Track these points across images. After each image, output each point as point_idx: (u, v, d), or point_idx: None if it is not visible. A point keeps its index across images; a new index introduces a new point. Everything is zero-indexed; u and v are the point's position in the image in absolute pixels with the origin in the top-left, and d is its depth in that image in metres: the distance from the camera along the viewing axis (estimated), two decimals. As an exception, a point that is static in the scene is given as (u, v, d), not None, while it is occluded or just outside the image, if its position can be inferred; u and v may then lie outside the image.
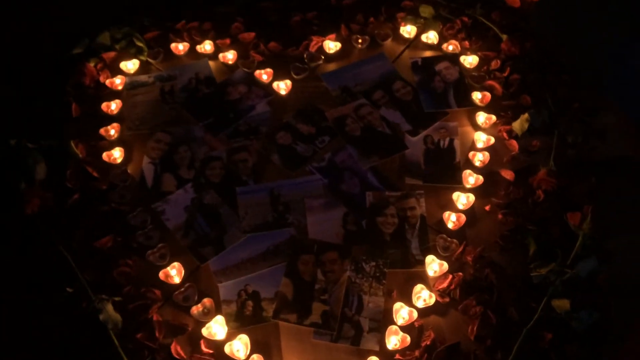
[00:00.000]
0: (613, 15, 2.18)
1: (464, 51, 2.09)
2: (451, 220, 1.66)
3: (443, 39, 2.14)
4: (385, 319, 1.50)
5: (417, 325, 1.49)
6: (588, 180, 1.71)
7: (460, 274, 1.56)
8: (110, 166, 1.80)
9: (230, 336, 1.47)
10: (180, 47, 2.08)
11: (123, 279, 1.56)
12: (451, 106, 1.94)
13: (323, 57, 2.06)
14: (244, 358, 1.44)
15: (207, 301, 1.53)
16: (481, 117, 1.88)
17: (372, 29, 2.15)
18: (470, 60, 2.05)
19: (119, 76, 2.01)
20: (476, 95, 1.94)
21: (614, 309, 1.49)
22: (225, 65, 2.07)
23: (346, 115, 1.92)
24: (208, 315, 1.51)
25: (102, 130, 1.85)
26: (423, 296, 1.52)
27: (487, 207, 1.70)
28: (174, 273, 1.58)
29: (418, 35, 2.14)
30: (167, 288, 1.56)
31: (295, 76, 2.01)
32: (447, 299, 1.53)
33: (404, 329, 1.47)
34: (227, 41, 2.09)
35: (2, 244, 1.61)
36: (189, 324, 1.51)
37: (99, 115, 1.91)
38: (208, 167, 1.81)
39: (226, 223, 1.68)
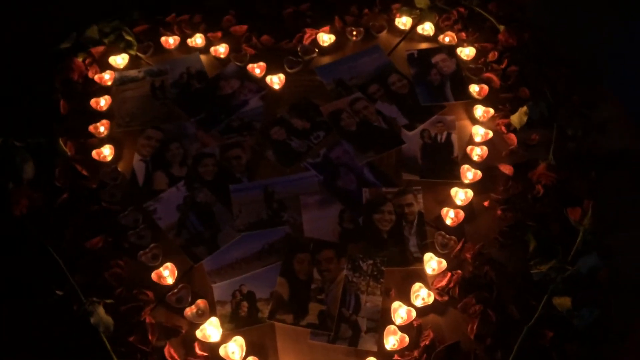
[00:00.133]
0: (612, 5, 2.14)
1: (460, 43, 2.06)
2: (449, 216, 1.63)
3: (439, 30, 2.10)
4: (383, 319, 1.47)
5: (415, 325, 1.46)
6: (588, 174, 1.68)
7: (459, 271, 1.53)
8: (100, 164, 1.76)
9: (225, 338, 1.44)
10: (170, 41, 2.04)
11: (114, 281, 1.52)
12: (448, 99, 1.90)
13: (317, 50, 2.02)
14: (239, 360, 1.41)
15: (201, 302, 1.50)
16: (479, 111, 1.85)
17: (366, 20, 2.11)
18: (467, 52, 2.01)
19: (108, 71, 1.96)
20: (473, 88, 1.90)
21: (614, 307, 1.46)
22: (217, 59, 2.02)
23: (341, 109, 1.88)
24: (202, 316, 1.48)
25: (91, 127, 1.81)
26: (422, 295, 1.50)
27: (486, 203, 1.67)
28: (167, 274, 1.54)
29: (414, 26, 2.11)
30: (160, 289, 1.53)
31: (288, 70, 1.97)
32: (446, 298, 1.50)
33: (402, 328, 1.45)
34: (219, 34, 2.05)
35: (-11, 246, 1.57)
36: (183, 326, 1.47)
37: (88, 111, 1.86)
38: (200, 164, 1.77)
39: (220, 222, 1.65)
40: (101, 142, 1.79)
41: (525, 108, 1.77)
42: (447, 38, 2.06)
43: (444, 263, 1.54)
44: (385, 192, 1.70)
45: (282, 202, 1.68)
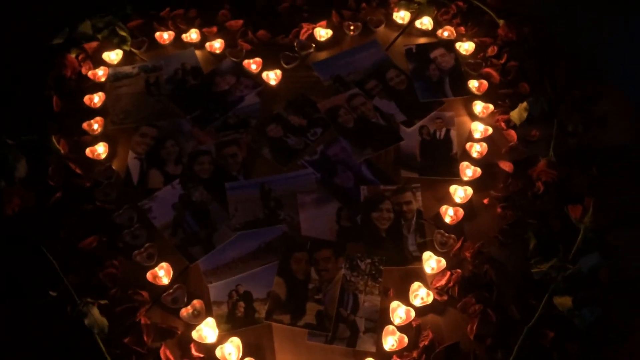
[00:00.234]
0: (612, -1, 2.12)
1: (459, 37, 2.03)
2: (448, 214, 1.61)
3: (438, 24, 2.07)
4: (382, 319, 1.45)
5: (414, 325, 1.44)
6: (589, 171, 1.66)
7: (459, 270, 1.51)
8: (94, 162, 1.73)
9: (222, 339, 1.42)
10: (165, 36, 2.01)
11: (109, 281, 1.49)
12: (447, 95, 1.88)
13: (314, 45, 1.99)
14: (236, 362, 1.39)
15: (197, 303, 1.47)
16: (478, 107, 1.83)
17: (364, 15, 2.08)
18: (466, 47, 1.98)
19: (102, 67, 1.93)
20: (473, 84, 1.88)
21: (615, 306, 1.44)
22: (212, 54, 1.99)
23: (339, 106, 1.86)
24: (198, 317, 1.46)
25: (84, 125, 1.78)
26: (420, 294, 1.48)
27: (486, 201, 1.65)
28: (162, 274, 1.52)
29: (412, 21, 2.08)
30: (155, 289, 1.50)
31: (285, 65, 1.94)
32: (445, 297, 1.48)
33: (401, 329, 1.42)
34: (214, 29, 2.02)
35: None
36: (179, 327, 1.45)
37: (82, 108, 1.83)
38: (196, 162, 1.74)
39: (216, 221, 1.62)
40: (95, 139, 1.76)
41: (525, 104, 1.74)
42: (445, 32, 2.03)
43: (443, 262, 1.52)
44: (383, 190, 1.68)
45: (278, 201, 1.66)
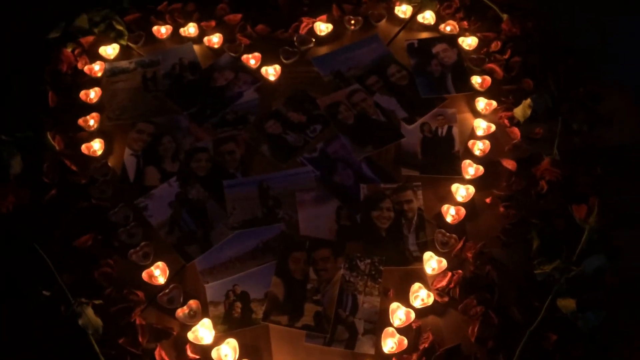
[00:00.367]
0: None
1: (462, 32, 1.99)
2: (450, 213, 1.58)
3: (440, 19, 2.03)
4: (381, 320, 1.42)
5: (414, 327, 1.41)
6: (594, 170, 1.62)
7: (460, 271, 1.48)
8: (89, 159, 1.70)
9: (218, 340, 1.39)
10: (162, 30, 1.98)
11: (104, 280, 1.47)
12: (449, 91, 1.84)
13: (314, 40, 1.96)
14: (232, 364, 1.37)
15: (193, 303, 1.45)
16: (481, 103, 1.79)
17: (365, 9, 2.04)
18: (469, 42, 1.95)
19: (98, 62, 1.91)
20: (475, 80, 1.84)
21: (620, 309, 1.42)
22: (210, 49, 1.96)
23: (339, 102, 1.82)
24: (194, 318, 1.43)
25: (80, 121, 1.75)
26: (421, 295, 1.45)
27: (488, 200, 1.62)
28: (158, 273, 1.49)
29: (414, 15, 2.04)
30: (151, 289, 1.48)
31: (284, 61, 1.91)
32: (446, 299, 1.45)
33: (400, 330, 1.40)
34: (212, 23, 1.99)
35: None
36: (174, 328, 1.43)
37: (77, 104, 1.81)
38: (193, 159, 1.71)
39: (213, 219, 1.60)
40: (91, 135, 1.74)
41: (529, 100, 1.71)
42: (448, 27, 2.00)
43: (444, 262, 1.49)
44: (383, 188, 1.65)
45: (277, 199, 1.63)
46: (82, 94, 1.80)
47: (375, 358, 1.37)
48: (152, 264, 1.50)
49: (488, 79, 1.83)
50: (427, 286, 1.47)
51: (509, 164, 1.65)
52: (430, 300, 1.44)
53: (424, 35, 2.01)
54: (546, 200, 1.58)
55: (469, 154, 1.71)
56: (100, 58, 1.92)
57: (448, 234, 1.55)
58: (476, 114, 1.80)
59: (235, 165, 1.70)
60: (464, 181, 1.64)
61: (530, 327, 1.37)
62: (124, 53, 1.96)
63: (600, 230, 1.48)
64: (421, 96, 1.83)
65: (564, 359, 1.35)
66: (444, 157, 1.71)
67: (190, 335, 1.39)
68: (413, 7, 2.04)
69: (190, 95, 1.84)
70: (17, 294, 1.45)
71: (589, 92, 1.79)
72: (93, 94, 1.81)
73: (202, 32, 1.98)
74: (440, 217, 1.60)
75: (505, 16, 1.95)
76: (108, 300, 1.44)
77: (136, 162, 1.71)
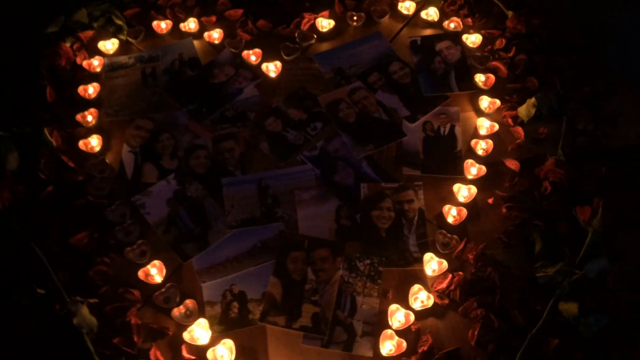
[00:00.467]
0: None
1: (466, 29, 1.96)
2: (451, 214, 1.56)
3: (444, 15, 2.00)
4: (380, 322, 1.40)
5: (413, 329, 1.39)
6: (599, 170, 1.59)
7: (461, 273, 1.46)
8: (87, 155, 1.68)
9: (214, 341, 1.37)
10: (162, 25, 1.96)
11: (99, 279, 1.46)
12: (452, 89, 1.81)
13: (315, 36, 1.93)
14: (228, 365, 1.35)
15: (189, 302, 1.43)
16: (484, 102, 1.76)
17: (368, 5, 2.02)
18: (473, 39, 1.92)
19: (97, 57, 1.88)
20: (479, 78, 1.81)
21: (623, 313, 1.39)
22: (210, 45, 1.94)
23: (340, 99, 1.80)
24: (190, 317, 1.41)
25: (78, 117, 1.73)
26: (421, 297, 1.42)
27: (490, 200, 1.59)
28: (155, 272, 1.47)
29: (417, 11, 2.01)
30: (147, 288, 1.46)
31: (285, 57, 1.88)
32: (446, 301, 1.43)
33: (399, 333, 1.38)
34: (213, 19, 1.97)
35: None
36: (170, 328, 1.41)
37: (76, 99, 1.79)
38: (192, 157, 1.69)
39: (211, 217, 1.57)
40: (89, 132, 1.72)
41: (533, 99, 1.68)
42: (452, 24, 1.97)
43: (445, 264, 1.46)
44: (384, 188, 1.62)
45: (276, 198, 1.61)
46: (80, 89, 1.78)
47: (373, 361, 1.35)
48: (148, 262, 1.49)
49: (492, 77, 1.80)
50: (427, 288, 1.45)
51: (512, 164, 1.62)
52: (430, 303, 1.42)
53: (428, 32, 1.98)
54: (549, 202, 1.55)
55: (471, 154, 1.68)
56: (99, 53, 1.90)
57: (449, 234, 1.52)
58: (479, 113, 1.77)
59: (234, 162, 1.68)
60: (466, 181, 1.62)
61: (532, 330, 1.35)
62: (123, 48, 1.94)
63: (604, 233, 1.45)
64: (424, 94, 1.80)
65: (566, 363, 1.32)
66: (446, 157, 1.68)
67: (186, 336, 1.37)
68: (417, 3, 2.01)
69: (189, 92, 1.82)
70: (11, 292, 1.43)
71: (595, 91, 1.75)
72: (91, 90, 1.79)
73: (203, 28, 1.96)
74: (441, 217, 1.57)
75: (510, 13, 1.92)
76: (104, 299, 1.42)
77: (134, 159, 1.69)
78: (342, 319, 1.41)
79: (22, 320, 1.39)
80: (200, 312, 1.43)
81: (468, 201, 1.58)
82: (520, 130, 1.70)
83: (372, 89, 1.82)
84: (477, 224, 1.56)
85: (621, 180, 1.60)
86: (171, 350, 1.38)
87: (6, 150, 1.61)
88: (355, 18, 1.97)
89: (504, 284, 1.43)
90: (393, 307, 1.41)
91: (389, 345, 1.36)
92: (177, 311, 1.41)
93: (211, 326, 1.40)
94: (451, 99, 1.80)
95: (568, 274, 1.39)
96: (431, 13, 1.99)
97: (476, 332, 1.37)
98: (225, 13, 1.97)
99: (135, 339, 1.37)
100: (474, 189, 1.58)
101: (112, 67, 1.87)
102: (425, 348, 1.35)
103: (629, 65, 1.86)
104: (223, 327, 1.41)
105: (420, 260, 1.49)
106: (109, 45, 1.90)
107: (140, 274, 1.46)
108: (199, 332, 1.38)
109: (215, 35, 1.92)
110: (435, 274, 1.47)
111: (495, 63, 1.84)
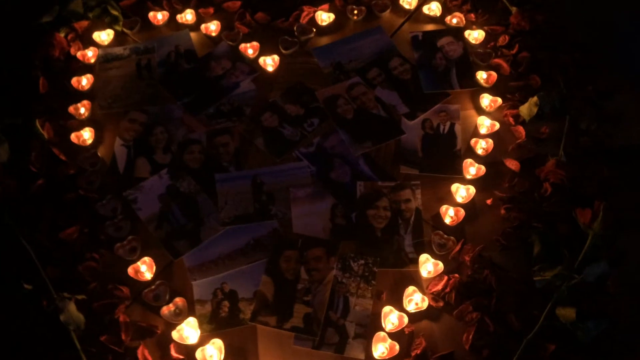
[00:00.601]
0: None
1: (469, 25, 1.92)
2: (449, 214, 1.52)
3: (447, 10, 1.96)
4: (373, 324, 1.37)
5: (407, 332, 1.36)
6: (601, 172, 1.55)
7: (457, 275, 1.42)
8: (79, 148, 1.66)
9: (203, 340, 1.35)
10: (159, 17, 1.92)
11: (88, 275, 1.43)
12: (453, 87, 1.77)
13: (315, 30, 1.89)
14: (217, 365, 1.32)
15: (179, 301, 1.41)
16: (485, 100, 1.72)
17: (369, -2, 1.98)
18: (475, 36, 1.88)
19: (92, 48, 1.85)
20: (481, 75, 1.77)
21: (623, 316, 1.36)
22: (207, 37, 1.90)
23: (338, 95, 1.76)
24: (180, 316, 1.39)
25: (71, 108, 1.71)
26: (415, 299, 1.39)
27: (489, 201, 1.56)
28: (145, 269, 1.45)
29: (419, 6, 1.97)
30: (137, 285, 1.44)
31: (283, 51, 1.85)
32: (441, 303, 1.40)
33: (392, 335, 1.35)
34: (210, 10, 1.94)
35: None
36: (159, 326, 1.38)
37: (69, 91, 1.76)
38: (186, 151, 1.66)
39: (203, 214, 1.54)
40: (81, 124, 1.69)
41: (535, 98, 1.65)
42: (454, 19, 1.92)
43: (441, 265, 1.43)
44: (381, 187, 1.59)
45: (270, 195, 1.58)
46: (73, 80, 1.75)
47: (365, 363, 1.33)
48: (138, 259, 1.46)
49: (494, 74, 1.76)
50: (422, 290, 1.42)
51: (512, 164, 1.59)
52: (425, 305, 1.38)
53: (429, 27, 1.94)
54: (550, 204, 1.51)
55: (470, 153, 1.64)
56: (94, 44, 1.87)
57: (446, 235, 1.49)
58: (480, 111, 1.73)
59: (228, 158, 1.65)
60: (464, 181, 1.58)
61: (528, 335, 1.32)
62: (119, 39, 1.91)
63: (605, 236, 1.42)
64: (424, 91, 1.77)
65: (562, 370, 1.29)
66: (444, 156, 1.64)
67: (175, 335, 1.34)
68: (418, -3, 1.97)
69: (185, 85, 1.79)
70: (-1, 287, 1.41)
71: (598, 90, 1.71)
72: (85, 81, 1.76)
73: (200, 19, 1.93)
74: (438, 218, 1.54)
75: (514, 9, 1.87)
76: (92, 295, 1.40)
77: (127, 152, 1.66)
78: (334, 320, 1.38)
79: (8, 317, 1.37)
80: (190, 311, 1.40)
81: (466, 202, 1.55)
82: (521, 129, 1.66)
83: (372, 84, 1.78)
84: (474, 225, 1.53)
85: (623, 179, 1.56)
86: (159, 349, 1.35)
87: (-4, 142, 1.59)
88: (355, 12, 1.93)
89: (501, 287, 1.40)
90: (387, 308, 1.38)
91: (381, 347, 1.33)
92: (167, 309, 1.39)
93: (201, 325, 1.37)
94: (452, 96, 1.76)
95: (566, 278, 1.35)
96: (433, 8, 1.95)
97: (471, 336, 1.34)
98: (223, 5, 1.93)
99: (123, 337, 1.34)
100: (472, 189, 1.55)
101: (106, 58, 1.84)
102: (419, 351, 1.32)
103: (632, 63, 1.82)
104: (213, 327, 1.38)
105: (415, 262, 1.46)
106: (104, 36, 1.87)
107: (130, 270, 1.43)
108: (188, 331, 1.35)
109: (213, 27, 1.89)
110: (431, 275, 1.44)
111: (497, 60, 1.80)
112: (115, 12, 1.89)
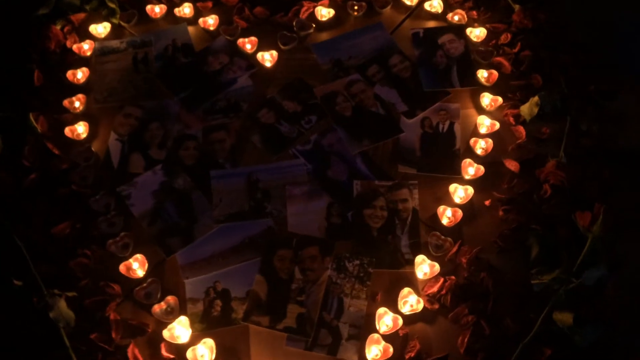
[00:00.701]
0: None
1: (470, 22, 1.89)
2: (446, 215, 1.50)
3: (448, 7, 1.93)
4: (367, 326, 1.35)
5: (401, 334, 1.34)
6: (602, 174, 1.53)
7: (453, 277, 1.40)
8: (73, 143, 1.63)
9: (194, 339, 1.33)
10: (156, 10, 1.90)
11: (80, 271, 1.41)
12: (454, 85, 1.74)
13: (314, 26, 1.86)
14: (208, 365, 1.30)
15: (171, 299, 1.39)
16: (486, 99, 1.70)
17: (370, -6, 1.95)
18: (477, 33, 1.85)
19: (88, 41, 1.83)
20: (482, 74, 1.74)
21: (621, 322, 1.33)
22: (205, 31, 1.88)
23: (337, 92, 1.73)
24: (171, 314, 1.37)
25: (66, 102, 1.69)
26: (410, 301, 1.37)
27: (487, 202, 1.53)
28: (137, 266, 1.43)
29: (421, 2, 1.94)
30: (128, 283, 1.42)
31: (282, 46, 1.82)
32: (436, 306, 1.38)
33: (387, 337, 1.33)
34: (209, 4, 1.92)
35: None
36: (150, 324, 1.37)
37: (64, 84, 1.74)
38: (181, 147, 1.64)
39: (198, 211, 1.52)
40: (76, 118, 1.67)
41: (536, 98, 1.62)
42: (456, 17, 1.90)
43: (437, 267, 1.41)
44: (378, 186, 1.56)
45: (266, 192, 1.56)
46: (69, 73, 1.73)
47: (358, 365, 1.31)
48: (130, 255, 1.44)
49: (495, 73, 1.73)
50: (417, 291, 1.40)
51: (512, 165, 1.56)
52: (420, 307, 1.36)
53: (431, 24, 1.91)
54: (549, 206, 1.49)
55: (470, 153, 1.62)
56: (90, 37, 1.85)
57: (443, 237, 1.47)
58: (480, 111, 1.71)
59: (224, 155, 1.63)
60: (462, 181, 1.56)
61: (524, 340, 1.30)
62: (115, 32, 1.88)
63: (605, 240, 1.39)
64: (424, 89, 1.74)
65: (558, 375, 1.27)
66: (443, 155, 1.62)
67: (165, 333, 1.32)
68: (420, -6, 1.94)
69: (182, 79, 1.77)
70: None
71: (601, 90, 1.68)
72: (80, 74, 1.74)
73: (198, 13, 1.90)
74: (435, 218, 1.51)
75: (517, 7, 1.84)
76: (83, 292, 1.38)
77: (121, 147, 1.64)
78: (328, 321, 1.36)
79: (-2, 313, 1.36)
80: (181, 310, 1.38)
81: (464, 202, 1.52)
82: (521, 129, 1.63)
83: (371, 82, 1.75)
84: (472, 227, 1.51)
85: (625, 181, 1.53)
86: (150, 348, 1.34)
87: (-11, 135, 1.57)
88: (356, 7, 1.90)
89: (498, 290, 1.37)
90: (381, 310, 1.36)
91: (375, 350, 1.31)
92: (158, 307, 1.37)
93: (192, 324, 1.36)
94: (452, 95, 1.73)
95: (565, 282, 1.33)
96: (435, 4, 1.92)
97: (466, 339, 1.32)
98: (222, -2, 1.91)
99: (114, 335, 1.33)
100: (470, 190, 1.52)
101: (103, 51, 1.82)
102: (413, 354, 1.31)
103: (633, 64, 1.78)
104: (204, 326, 1.36)
105: (411, 263, 1.44)
106: (101, 29, 1.85)
107: (122, 267, 1.41)
108: (180, 330, 1.33)
109: (211, 21, 1.86)
110: (427, 277, 1.42)
111: (499, 58, 1.78)
112: (112, 5, 1.86)
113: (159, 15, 1.89)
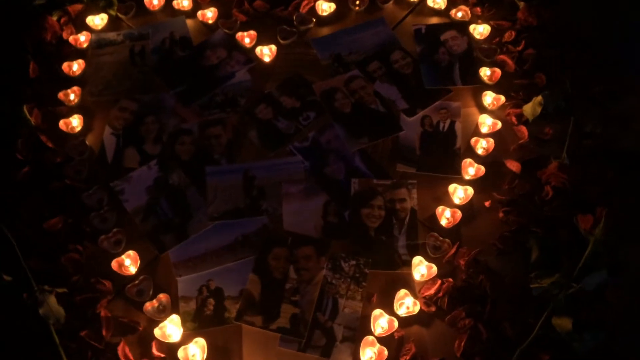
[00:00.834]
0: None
1: (474, 19, 1.86)
2: (445, 216, 1.47)
3: (452, 3, 1.90)
4: (362, 328, 1.33)
5: (397, 337, 1.32)
6: (605, 177, 1.49)
7: (451, 279, 1.38)
8: (67, 136, 1.61)
9: (186, 339, 1.31)
10: (154, 2, 1.88)
11: (71, 267, 1.39)
12: (455, 83, 1.71)
13: (314, 20, 1.83)
14: (199, 364, 1.28)
15: (163, 297, 1.37)
16: (488, 98, 1.66)
17: (372, -11, 1.91)
18: (480, 30, 1.81)
19: (85, 32, 1.81)
20: (485, 72, 1.71)
21: (621, 328, 1.31)
22: (204, 24, 1.85)
23: (336, 88, 1.70)
24: (163, 313, 1.35)
25: (61, 94, 1.66)
26: (406, 303, 1.35)
27: (487, 203, 1.50)
28: (129, 263, 1.41)
29: (424, -2, 1.91)
30: (120, 279, 1.40)
31: (281, 41, 1.79)
32: (433, 308, 1.35)
33: (382, 340, 1.30)
34: (208, -3, 1.88)
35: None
36: (141, 322, 1.35)
37: (59, 76, 1.71)
38: (177, 142, 1.62)
39: (192, 208, 1.50)
40: (70, 111, 1.65)
41: (540, 97, 1.58)
42: (459, 13, 1.86)
43: (435, 269, 1.38)
44: (376, 185, 1.54)
45: (262, 189, 1.53)
46: (64, 65, 1.71)
47: (352, 368, 1.28)
48: (123, 252, 1.42)
49: (498, 71, 1.70)
50: (414, 293, 1.37)
51: (513, 165, 1.53)
52: (416, 309, 1.34)
53: (433, 20, 1.88)
54: (550, 208, 1.46)
55: (470, 152, 1.59)
56: (87, 28, 1.83)
57: (441, 238, 1.44)
58: (482, 109, 1.68)
59: (220, 150, 1.60)
60: (462, 182, 1.53)
61: (522, 344, 1.27)
62: (113, 24, 1.86)
63: (606, 244, 1.36)
64: (425, 86, 1.71)
65: (556, 381, 1.25)
66: (443, 154, 1.59)
67: (157, 332, 1.30)
68: (423, -11, 1.91)
69: (178, 73, 1.74)
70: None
71: (605, 90, 1.65)
72: (76, 67, 1.72)
73: (197, 6, 1.88)
74: (434, 219, 1.48)
75: (522, 4, 1.81)
76: (74, 288, 1.36)
77: (116, 141, 1.61)
78: (322, 322, 1.34)
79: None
80: (173, 308, 1.36)
81: (464, 203, 1.49)
82: (524, 129, 1.60)
83: (371, 78, 1.72)
84: (471, 228, 1.48)
85: (628, 184, 1.50)
86: (141, 347, 1.32)
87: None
88: (357, 2, 1.87)
89: (496, 293, 1.35)
90: (377, 312, 1.34)
91: (369, 352, 1.29)
92: (150, 305, 1.35)
93: (184, 323, 1.33)
94: (453, 93, 1.70)
95: (564, 286, 1.30)
96: (438, 0, 1.88)
97: (463, 343, 1.29)
98: (221, -9, 1.88)
99: (104, 332, 1.31)
100: (470, 190, 1.50)
101: (99, 43, 1.79)
102: (408, 357, 1.28)
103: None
104: (197, 325, 1.34)
105: (408, 264, 1.41)
106: (98, 21, 1.82)
107: (114, 264, 1.39)
108: (171, 328, 1.31)
109: (209, 14, 1.83)
110: (424, 279, 1.39)
111: (502, 56, 1.74)
112: (110, -4, 1.84)
113: (157, 8, 1.87)
